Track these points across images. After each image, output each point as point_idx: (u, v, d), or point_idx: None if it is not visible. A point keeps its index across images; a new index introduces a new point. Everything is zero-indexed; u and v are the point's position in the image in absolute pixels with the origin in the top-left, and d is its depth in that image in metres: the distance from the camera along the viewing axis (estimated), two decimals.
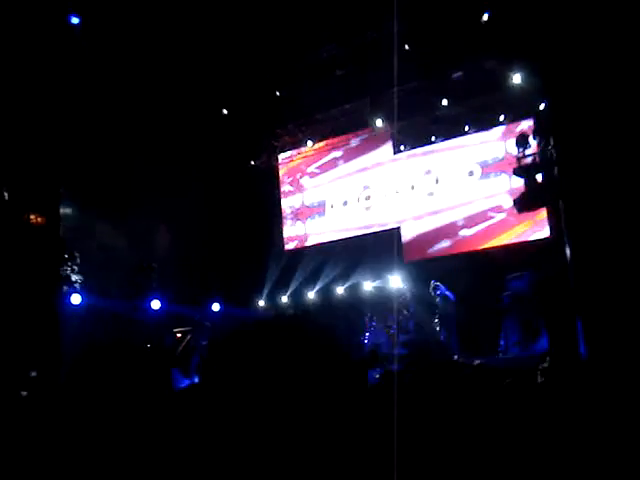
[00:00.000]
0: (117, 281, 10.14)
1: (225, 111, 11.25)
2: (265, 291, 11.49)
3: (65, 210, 9.80)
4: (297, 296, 11.32)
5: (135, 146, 10.34)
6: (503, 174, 10.01)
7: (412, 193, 10.87)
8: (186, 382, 8.02)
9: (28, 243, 8.97)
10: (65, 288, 9.22)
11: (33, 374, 6.27)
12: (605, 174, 8.07)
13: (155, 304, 9.81)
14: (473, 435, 2.89)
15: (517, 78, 9.53)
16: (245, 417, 2.75)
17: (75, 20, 8.90)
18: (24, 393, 5.79)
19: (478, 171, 10.26)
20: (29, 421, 3.89)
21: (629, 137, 7.78)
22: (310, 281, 11.33)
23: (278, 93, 11.03)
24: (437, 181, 10.65)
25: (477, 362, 6.34)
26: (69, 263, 9.28)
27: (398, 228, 11.00)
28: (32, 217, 9.29)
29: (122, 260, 10.25)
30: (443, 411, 3.05)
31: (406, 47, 9.78)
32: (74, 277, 9.29)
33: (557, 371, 4.70)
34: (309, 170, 12.08)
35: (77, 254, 9.41)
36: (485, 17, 9.29)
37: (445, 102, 10.20)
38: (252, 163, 12.26)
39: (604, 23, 7.78)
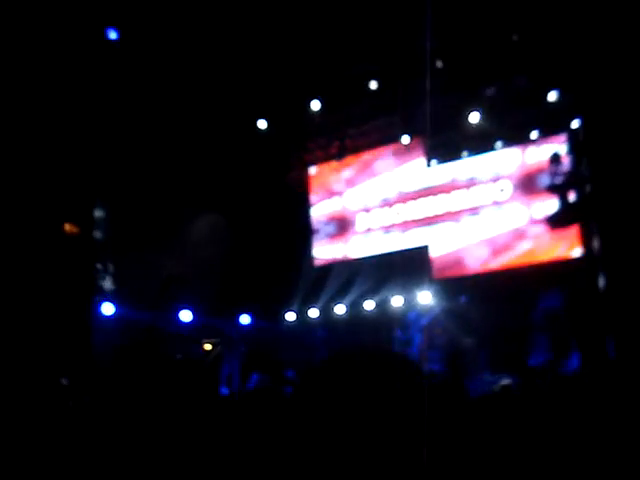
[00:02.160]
0: (148, 292, 10.23)
1: (264, 123, 11.30)
2: (294, 304, 11.50)
3: (99, 219, 9.92)
4: (326, 310, 11.32)
5: (170, 158, 10.45)
6: (535, 191, 9.94)
7: (442, 208, 10.84)
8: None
9: (62, 252, 9.09)
10: (98, 298, 9.32)
11: (64, 382, 6.35)
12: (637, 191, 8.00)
13: (185, 315, 9.88)
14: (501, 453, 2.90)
15: (551, 95, 9.50)
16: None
17: (113, 35, 9.05)
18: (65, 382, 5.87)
19: (510, 188, 10.20)
20: (61, 428, 3.96)
21: None
22: (339, 295, 11.32)
23: (311, 107, 11.09)
24: (467, 197, 10.60)
25: (505, 381, 6.29)
26: (102, 273, 9.39)
27: (427, 244, 10.96)
28: (67, 226, 9.42)
29: (154, 271, 10.35)
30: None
31: (439, 63, 9.82)
32: (107, 287, 9.40)
33: (589, 387, 4.66)
34: (339, 185, 12.11)
35: (110, 264, 9.52)
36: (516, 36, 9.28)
37: (475, 118, 10.17)
38: (284, 177, 12.33)
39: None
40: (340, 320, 11.09)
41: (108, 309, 9.22)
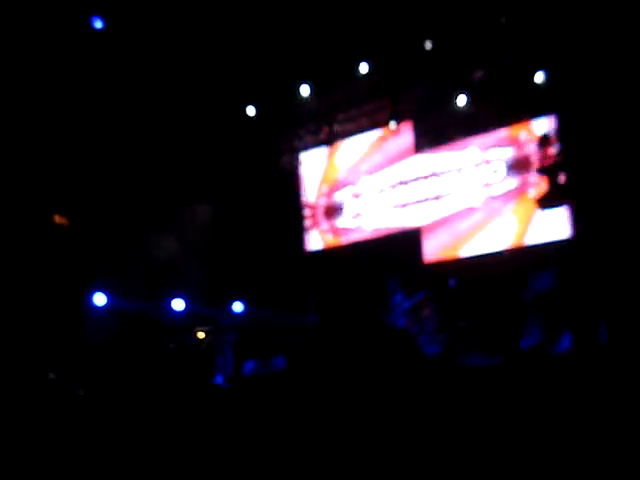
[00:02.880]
0: (140, 281, 10.22)
1: (253, 110, 11.24)
2: (286, 292, 11.49)
3: (89, 210, 9.89)
4: (319, 298, 11.31)
5: (158, 147, 10.42)
6: (526, 172, 9.95)
7: (433, 192, 10.84)
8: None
9: (52, 244, 9.07)
10: (89, 289, 9.32)
11: (52, 376, 6.35)
12: (625, 172, 8.03)
13: (178, 304, 9.88)
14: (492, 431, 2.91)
15: (538, 77, 9.51)
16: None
17: (99, 24, 8.97)
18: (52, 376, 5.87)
19: (502, 169, 10.20)
20: (54, 421, 3.96)
21: None
22: (331, 282, 11.32)
23: (300, 92, 11.04)
24: (458, 180, 10.61)
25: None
26: (96, 263, 9.38)
27: (418, 228, 10.98)
28: (57, 217, 9.40)
29: (145, 260, 10.34)
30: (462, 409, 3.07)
31: (427, 46, 9.80)
32: (99, 277, 9.40)
33: (581, 368, 4.68)
34: (329, 171, 12.09)
35: (102, 254, 9.51)
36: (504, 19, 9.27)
37: (463, 101, 10.16)
38: (273, 164, 12.31)
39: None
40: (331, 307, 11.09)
41: (100, 299, 9.22)
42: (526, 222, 9.87)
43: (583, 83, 9.00)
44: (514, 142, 10.12)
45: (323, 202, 12.11)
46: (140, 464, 3.08)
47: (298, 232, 12.21)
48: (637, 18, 8.07)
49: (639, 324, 6.76)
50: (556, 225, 9.55)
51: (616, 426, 3.05)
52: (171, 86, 9.94)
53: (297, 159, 12.41)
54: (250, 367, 8.56)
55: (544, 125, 9.79)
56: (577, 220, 9.25)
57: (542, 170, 9.53)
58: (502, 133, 10.27)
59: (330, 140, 11.95)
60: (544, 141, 9.68)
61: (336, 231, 11.92)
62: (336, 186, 12.00)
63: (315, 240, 12.13)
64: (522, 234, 9.91)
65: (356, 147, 11.81)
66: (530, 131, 9.96)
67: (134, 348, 8.22)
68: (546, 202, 9.34)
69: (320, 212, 12.11)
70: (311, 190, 12.28)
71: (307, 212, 12.25)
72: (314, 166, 12.29)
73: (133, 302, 9.54)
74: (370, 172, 11.59)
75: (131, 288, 9.79)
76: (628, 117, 8.38)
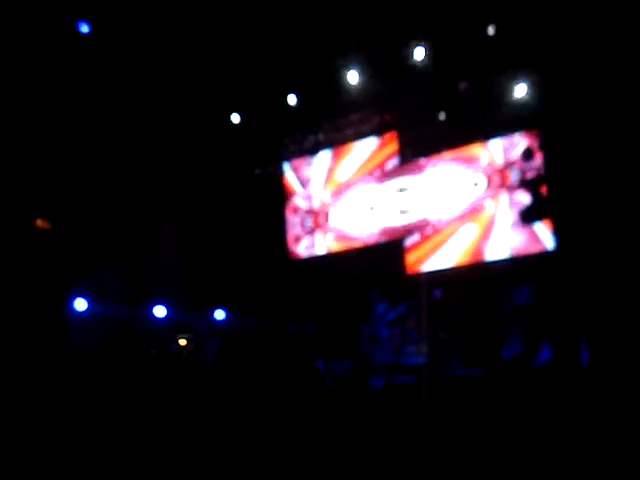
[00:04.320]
0: (121, 287, 10.17)
1: (237, 118, 11.27)
2: (269, 299, 11.48)
3: (71, 215, 9.84)
4: (300, 306, 11.31)
5: (140, 151, 10.39)
6: (507, 186, 10.03)
7: (416, 203, 10.89)
8: None
9: (34, 248, 9.01)
10: (70, 293, 9.26)
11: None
12: (606, 185, 8.11)
13: (159, 311, 9.85)
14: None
15: (521, 90, 9.62)
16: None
17: (85, 28, 8.96)
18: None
19: (483, 182, 10.27)
20: (39, 425, 3.94)
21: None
22: (314, 291, 11.33)
23: (287, 101, 11.08)
24: (442, 191, 10.66)
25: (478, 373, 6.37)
26: (77, 268, 9.32)
27: (401, 239, 11.01)
28: (38, 222, 9.33)
29: (127, 266, 10.29)
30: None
31: (416, 58, 9.88)
32: (80, 282, 9.34)
33: (561, 381, 4.74)
34: (314, 179, 12.11)
35: (84, 259, 9.46)
36: (491, 31, 9.36)
37: (443, 116, 10.26)
38: (257, 172, 12.32)
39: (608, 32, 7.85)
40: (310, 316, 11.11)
41: (81, 305, 9.16)
42: (509, 235, 9.93)
43: (565, 97, 9.11)
44: (498, 154, 10.20)
45: (307, 210, 12.11)
46: (122, 466, 3.07)
47: (282, 239, 12.21)
48: (620, 33, 8.18)
49: (619, 338, 6.82)
50: (537, 239, 9.63)
51: (595, 435, 3.09)
52: (158, 92, 9.93)
53: (281, 167, 12.42)
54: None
55: (526, 139, 9.88)
56: (558, 234, 9.33)
57: (524, 183, 9.61)
58: (484, 146, 10.34)
59: (315, 149, 11.98)
60: (526, 155, 9.76)
61: (318, 240, 11.92)
62: (320, 195, 12.01)
63: (297, 248, 12.13)
64: (505, 246, 9.97)
65: (341, 157, 11.84)
66: (512, 145, 10.04)
67: (115, 354, 8.18)
68: (528, 216, 9.41)
69: (304, 220, 12.11)
70: (295, 198, 12.28)
71: (290, 220, 12.24)
72: (298, 175, 12.31)
73: (114, 308, 9.50)
74: (355, 182, 11.63)
75: (113, 293, 9.74)
76: (610, 131, 8.48)
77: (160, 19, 9.09)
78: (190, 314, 10.50)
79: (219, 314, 10.70)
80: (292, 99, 11.13)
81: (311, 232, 12.05)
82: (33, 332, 7.98)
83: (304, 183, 12.23)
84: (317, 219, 11.99)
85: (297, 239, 12.17)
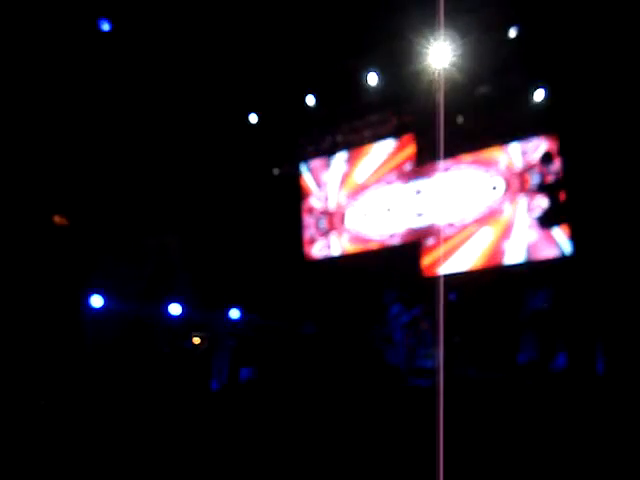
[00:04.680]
0: (137, 284, 10.21)
1: (255, 118, 11.31)
2: (285, 300, 11.48)
3: (88, 212, 9.89)
4: (316, 307, 11.30)
5: (159, 150, 10.44)
6: (526, 190, 9.97)
7: (433, 206, 10.86)
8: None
9: (51, 244, 9.06)
10: (86, 290, 9.30)
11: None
12: (625, 191, 8.04)
13: (175, 309, 9.88)
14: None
15: (541, 94, 9.57)
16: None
17: (106, 26, 9.00)
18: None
19: (502, 186, 10.23)
20: (51, 424, 3.96)
21: None
22: (329, 292, 11.30)
23: (305, 102, 11.10)
24: (459, 194, 10.63)
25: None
26: (94, 265, 9.37)
27: (418, 241, 10.99)
28: (56, 218, 9.39)
29: (144, 264, 10.33)
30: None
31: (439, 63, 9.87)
32: (97, 279, 9.39)
33: (575, 388, 4.70)
34: (332, 180, 12.11)
35: (101, 256, 9.51)
36: (512, 33, 9.32)
37: (461, 119, 10.23)
38: (275, 172, 12.35)
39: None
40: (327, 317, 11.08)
41: (97, 301, 9.20)
42: (527, 239, 9.88)
43: (584, 102, 9.05)
44: (517, 158, 10.15)
45: (323, 211, 12.12)
46: (136, 464, 3.08)
47: (298, 240, 12.21)
48: (635, 36, 8.13)
49: (635, 345, 6.76)
50: (554, 243, 9.57)
51: (608, 442, 3.06)
52: (174, 93, 9.97)
53: (299, 168, 12.44)
54: (246, 374, 8.56)
55: (546, 143, 9.83)
56: (576, 239, 9.27)
57: (543, 188, 9.56)
58: (503, 149, 10.30)
59: (332, 150, 11.99)
60: (545, 159, 9.71)
61: (335, 241, 11.92)
62: (337, 196, 12.01)
63: (314, 249, 12.14)
64: (522, 251, 9.92)
65: (358, 158, 11.84)
66: (531, 149, 9.99)
67: (130, 351, 8.22)
68: (546, 220, 9.36)
69: (320, 221, 12.11)
70: (311, 199, 12.29)
71: (306, 221, 12.24)
72: (315, 175, 12.31)
73: (130, 305, 9.53)
74: (372, 184, 11.62)
75: (128, 291, 9.78)
76: (629, 136, 8.41)
77: (178, 19, 9.12)
78: (205, 313, 10.52)
79: (234, 313, 10.71)
80: (310, 100, 11.14)
81: (325, 233, 12.05)
82: (50, 328, 8.03)
83: (320, 184, 12.24)
84: (332, 220, 11.99)
85: (312, 240, 12.18)
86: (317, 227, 12.16)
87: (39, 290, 8.32)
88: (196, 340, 10.22)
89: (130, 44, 9.26)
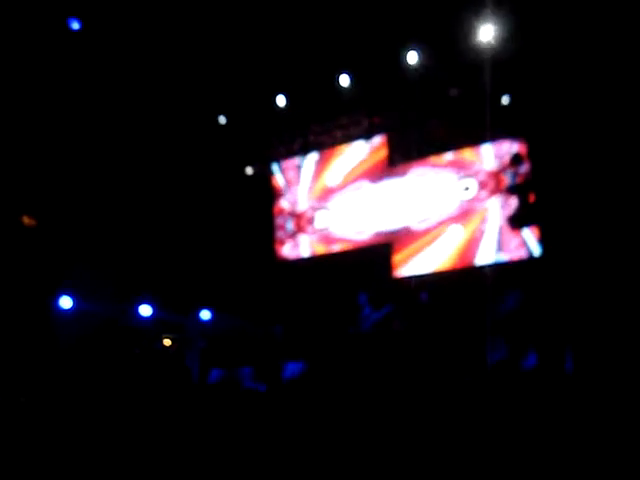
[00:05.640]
0: (107, 285, 10.13)
1: (223, 120, 11.31)
2: (254, 301, 11.45)
3: (58, 212, 9.80)
4: (286, 308, 11.28)
5: (129, 150, 10.37)
6: (496, 191, 10.07)
7: (404, 207, 10.91)
8: None
9: (20, 245, 8.97)
10: (55, 291, 9.21)
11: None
12: (593, 192, 8.15)
13: (145, 310, 9.81)
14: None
15: (504, 99, 9.70)
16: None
17: (76, 25, 8.93)
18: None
19: (474, 187, 10.31)
20: (26, 425, 3.91)
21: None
22: (300, 294, 11.30)
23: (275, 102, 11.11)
24: (431, 195, 10.69)
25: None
26: (63, 265, 9.28)
27: (389, 242, 11.02)
28: (25, 219, 9.29)
29: (112, 264, 10.25)
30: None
31: (410, 63, 9.94)
32: (66, 280, 9.30)
33: (545, 388, 4.75)
34: (302, 180, 12.11)
35: (70, 256, 9.42)
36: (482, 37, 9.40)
37: (434, 121, 10.34)
38: (246, 172, 12.31)
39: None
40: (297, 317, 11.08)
41: (66, 302, 9.12)
42: (497, 240, 9.97)
43: (551, 104, 9.16)
44: (488, 159, 10.24)
45: (293, 212, 12.10)
46: (109, 466, 3.06)
47: (269, 240, 12.19)
48: (604, 40, 8.25)
49: (604, 346, 6.86)
50: (524, 244, 9.67)
51: (578, 440, 3.10)
52: (146, 94, 9.92)
53: (269, 168, 12.41)
54: (216, 376, 8.52)
55: (516, 145, 9.93)
56: (545, 240, 9.37)
57: (512, 189, 9.65)
58: (475, 151, 10.38)
59: (303, 151, 11.98)
60: (515, 161, 9.80)
61: (306, 242, 11.92)
62: (306, 197, 12.01)
63: (284, 250, 12.12)
64: (492, 251, 10.01)
65: (329, 159, 11.85)
66: (502, 151, 10.08)
67: (100, 352, 8.15)
68: (516, 221, 9.46)
69: (291, 222, 12.10)
70: (282, 200, 12.27)
71: (277, 222, 12.23)
72: (286, 176, 12.29)
73: (100, 306, 9.45)
74: (342, 185, 11.63)
75: (98, 292, 9.69)
76: (597, 139, 8.53)
77: (151, 19, 9.06)
78: (176, 314, 10.46)
79: (205, 314, 10.67)
80: (281, 100, 11.14)
81: (293, 235, 12.04)
82: (18, 329, 7.94)
83: (291, 185, 12.23)
84: (301, 221, 11.98)
85: (282, 241, 12.16)
86: (285, 228, 12.14)
87: (7, 292, 8.22)
88: (166, 342, 10.16)
89: (105, 44, 9.19)
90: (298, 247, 11.99)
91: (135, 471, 3.19)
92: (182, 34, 9.37)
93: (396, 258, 10.90)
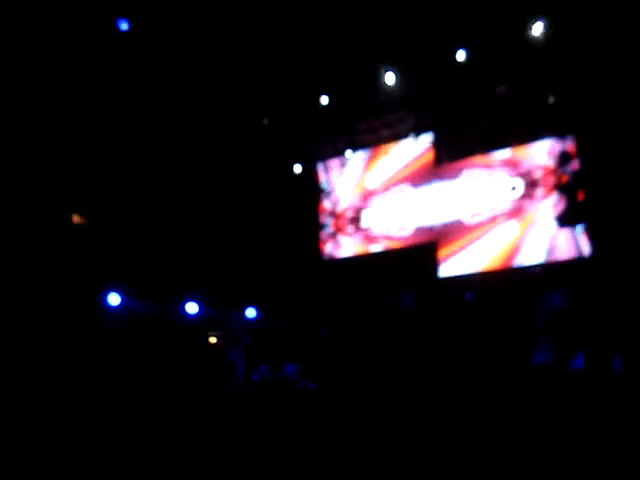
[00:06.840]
0: (154, 283, 10.25)
1: (266, 120, 11.36)
2: (300, 300, 11.48)
3: (107, 211, 9.95)
4: (331, 307, 11.29)
5: (176, 151, 10.48)
6: (544, 190, 9.91)
7: (452, 206, 10.82)
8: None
9: (70, 243, 9.12)
10: (104, 288, 9.35)
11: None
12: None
13: (191, 307, 9.91)
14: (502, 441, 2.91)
15: (559, 95, 9.54)
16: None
17: (125, 26, 9.04)
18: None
19: (521, 186, 10.17)
20: (68, 420, 3.98)
21: None
22: (344, 292, 11.29)
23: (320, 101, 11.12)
24: (478, 195, 10.58)
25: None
26: (111, 263, 9.42)
27: (434, 241, 10.94)
28: (75, 217, 9.45)
29: (160, 262, 10.37)
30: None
31: (457, 61, 9.85)
32: (114, 277, 9.43)
33: (594, 389, 4.66)
34: (348, 180, 12.10)
35: (118, 254, 9.55)
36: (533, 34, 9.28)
37: (484, 117, 10.22)
38: (294, 170, 12.33)
39: None
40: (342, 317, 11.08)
41: (114, 300, 9.25)
42: (545, 239, 9.82)
43: (601, 101, 9.00)
44: (534, 159, 10.10)
45: (340, 211, 12.10)
46: (150, 463, 3.09)
47: (315, 240, 12.21)
48: None
49: None
50: (573, 243, 9.51)
51: (626, 441, 3.05)
52: (193, 94, 10.02)
53: (315, 167, 12.43)
54: (261, 373, 8.57)
55: (564, 143, 9.77)
56: (594, 239, 9.21)
57: (561, 188, 9.51)
58: (522, 150, 10.25)
59: (349, 149, 11.96)
60: (564, 159, 9.66)
61: (351, 241, 11.91)
62: (353, 196, 12.00)
63: (330, 248, 12.13)
64: (541, 251, 9.86)
65: (376, 158, 11.82)
66: (550, 149, 9.93)
67: (147, 349, 8.26)
68: (564, 220, 9.31)
69: (336, 222, 12.10)
70: (328, 199, 12.28)
71: (323, 221, 12.24)
72: (332, 175, 12.30)
73: (147, 303, 9.57)
74: (389, 184, 11.59)
75: (146, 289, 9.81)
76: None
77: (195, 20, 9.15)
78: (222, 312, 10.55)
79: (250, 312, 10.73)
80: (324, 99, 11.15)
81: (334, 234, 12.03)
82: (67, 326, 8.07)
83: (334, 184, 12.23)
84: (343, 221, 11.97)
85: (325, 240, 12.17)
86: (328, 227, 12.14)
87: (57, 289, 8.37)
88: (212, 339, 10.25)
89: (144, 46, 9.30)
90: (340, 246, 11.99)
91: (184, 465, 3.23)
92: (229, 37, 9.44)
93: (442, 253, 10.78)
